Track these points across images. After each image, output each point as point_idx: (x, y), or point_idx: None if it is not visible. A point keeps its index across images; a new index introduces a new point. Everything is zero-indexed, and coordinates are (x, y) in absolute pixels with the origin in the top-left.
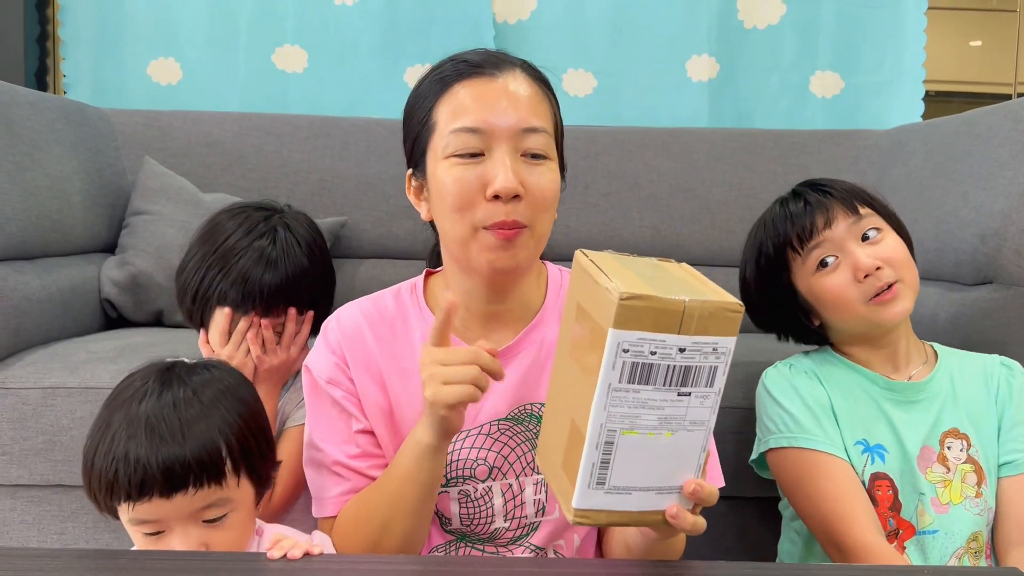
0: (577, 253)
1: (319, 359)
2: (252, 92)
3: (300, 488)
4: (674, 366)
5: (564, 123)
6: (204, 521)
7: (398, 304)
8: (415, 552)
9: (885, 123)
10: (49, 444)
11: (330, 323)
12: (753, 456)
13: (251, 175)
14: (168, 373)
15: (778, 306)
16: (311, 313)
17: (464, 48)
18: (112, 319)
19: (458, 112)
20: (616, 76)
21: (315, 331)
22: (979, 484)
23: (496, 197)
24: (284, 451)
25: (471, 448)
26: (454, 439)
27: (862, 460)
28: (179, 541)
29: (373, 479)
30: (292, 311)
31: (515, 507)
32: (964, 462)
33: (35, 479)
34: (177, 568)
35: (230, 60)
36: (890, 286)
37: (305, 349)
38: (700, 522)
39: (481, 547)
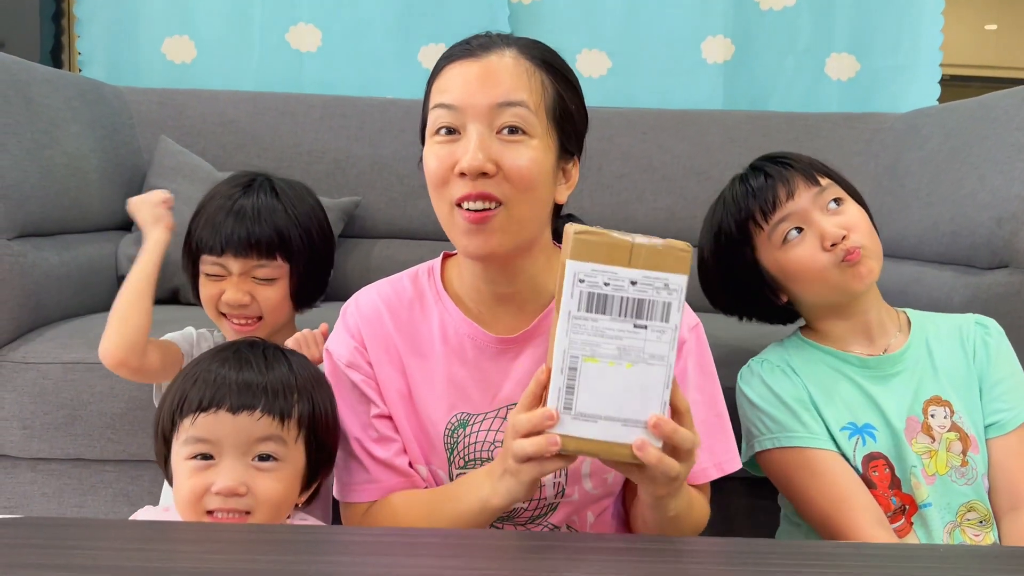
0: (566, 226)
1: (338, 343)
2: (266, 70)
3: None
4: (628, 297)
5: (580, 91)
6: (256, 459)
7: (416, 287)
8: None
9: (901, 106)
10: (69, 418)
11: (349, 306)
12: (744, 460)
13: (266, 155)
14: (259, 341)
15: (741, 285)
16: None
17: (478, 28)
18: None
19: (441, 89)
20: (631, 57)
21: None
22: (964, 452)
23: (464, 174)
24: None
25: (488, 431)
26: (471, 421)
27: (852, 444)
28: (225, 473)
29: (392, 466)
30: (278, 259)
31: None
32: (949, 430)
33: (56, 453)
34: (196, 538)
35: (244, 38)
36: (856, 252)
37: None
38: (667, 461)
39: (499, 524)
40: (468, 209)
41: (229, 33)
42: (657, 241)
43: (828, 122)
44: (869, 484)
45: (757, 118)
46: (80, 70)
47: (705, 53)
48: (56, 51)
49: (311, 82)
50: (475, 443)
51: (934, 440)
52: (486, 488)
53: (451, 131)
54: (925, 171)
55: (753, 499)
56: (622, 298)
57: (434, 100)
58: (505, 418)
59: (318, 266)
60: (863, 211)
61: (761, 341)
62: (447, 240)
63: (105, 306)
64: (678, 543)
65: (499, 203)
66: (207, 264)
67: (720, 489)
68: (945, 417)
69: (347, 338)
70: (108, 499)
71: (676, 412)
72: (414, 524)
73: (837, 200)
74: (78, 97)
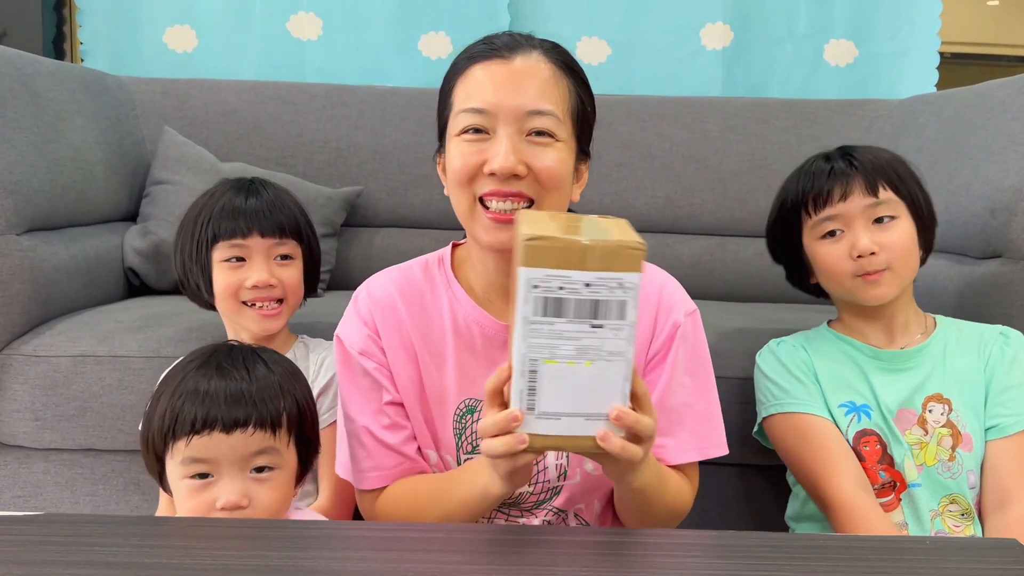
0: (517, 214)
1: (350, 329)
2: (267, 59)
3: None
4: (583, 300)
5: (592, 93)
6: (253, 471)
7: (427, 276)
8: None
9: (899, 92)
10: (80, 410)
11: (360, 293)
12: (754, 430)
13: (268, 144)
14: (233, 345)
15: (785, 250)
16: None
17: (479, 16)
18: (135, 287)
19: (469, 93)
20: (630, 44)
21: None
22: (954, 448)
23: (493, 175)
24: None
25: None
26: (480, 408)
27: (847, 420)
28: (226, 488)
29: (403, 453)
30: (292, 243)
31: (538, 472)
32: (942, 425)
33: (67, 443)
34: (208, 534)
35: (245, 27)
36: (878, 272)
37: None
38: (630, 448)
39: (506, 510)
40: (493, 209)
41: (230, 22)
42: (610, 238)
43: (827, 109)
44: (859, 457)
45: (756, 105)
46: (82, 60)
47: (704, 40)
48: (58, 41)
49: (312, 71)
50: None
51: (927, 433)
52: (485, 476)
53: (478, 131)
54: (921, 160)
55: (748, 484)
56: (577, 300)
57: (461, 103)
58: None
59: (317, 255)
60: (911, 231)
61: (773, 327)
62: (449, 228)
63: (112, 299)
64: (675, 537)
65: (530, 201)
66: (225, 250)
67: (715, 475)
68: (942, 413)
69: (360, 325)
70: (120, 488)
71: (635, 397)
72: (421, 509)
73: (890, 217)
74: (82, 89)
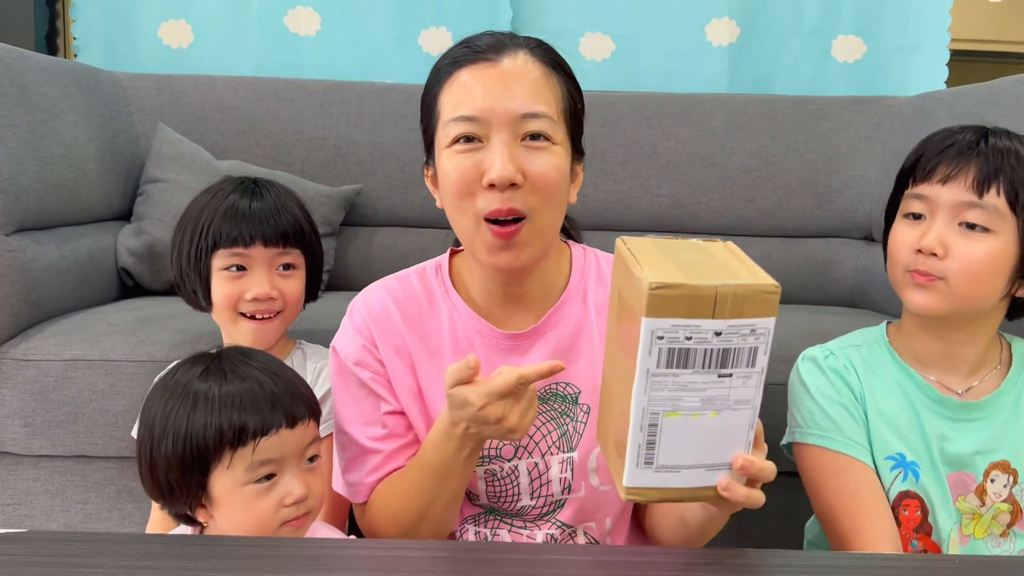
0: (617, 241)
1: (346, 341)
2: (264, 55)
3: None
4: (712, 349)
5: (581, 88)
6: (307, 461)
7: (424, 284)
8: (448, 529)
9: (907, 89)
10: (71, 416)
11: (356, 303)
12: (783, 442)
13: (265, 142)
14: (240, 348)
15: (887, 227)
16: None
17: (480, 11)
18: (129, 288)
19: (457, 100)
20: (634, 40)
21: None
22: (1011, 525)
23: (492, 185)
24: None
25: None
26: None
27: (891, 476)
28: (292, 482)
29: (397, 462)
30: (296, 251)
31: (541, 485)
32: (1003, 500)
33: (58, 450)
34: (203, 554)
35: (242, 22)
36: (930, 277)
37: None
38: (755, 494)
39: (509, 521)
40: (497, 222)
41: (226, 17)
42: (741, 281)
43: (835, 106)
44: (895, 521)
45: (762, 102)
46: (75, 55)
47: (710, 35)
48: (51, 36)
49: (310, 67)
50: None
51: (984, 505)
52: (442, 418)
53: (470, 139)
54: None
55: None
56: (706, 350)
57: (450, 112)
58: None
59: (320, 259)
60: (1006, 255)
61: (801, 331)
62: (449, 228)
63: (105, 300)
64: (703, 556)
65: (523, 215)
66: (225, 258)
67: None
68: (1005, 486)
69: (355, 336)
70: (112, 495)
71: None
72: (405, 491)
73: (983, 228)
74: (74, 85)
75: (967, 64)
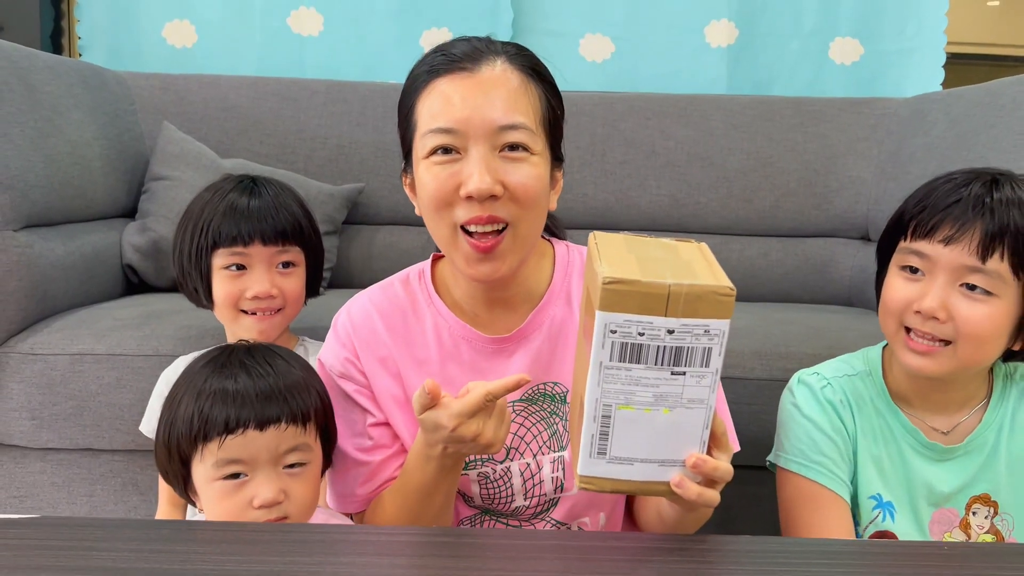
0: (589, 236)
1: (330, 353)
2: (267, 55)
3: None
4: (664, 347)
5: (581, 89)
6: (286, 467)
7: (408, 291)
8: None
9: (905, 91)
10: (78, 409)
11: (340, 316)
12: (768, 458)
13: (268, 141)
14: (249, 344)
15: (882, 259)
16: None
17: (481, 12)
18: (134, 284)
19: (435, 111)
20: (634, 41)
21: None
22: None
23: (470, 197)
24: None
25: None
26: None
27: (872, 515)
28: (262, 486)
29: (385, 473)
30: (295, 249)
31: (534, 485)
32: (986, 531)
33: (64, 443)
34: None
35: (245, 22)
36: (934, 340)
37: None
38: (708, 494)
39: (504, 521)
40: (475, 233)
41: (230, 17)
42: (697, 281)
43: (833, 107)
44: None
45: (761, 103)
46: (80, 54)
47: (709, 37)
48: (56, 35)
49: (312, 67)
50: None
51: (969, 538)
52: (418, 440)
53: (448, 151)
54: (930, 158)
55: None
56: (658, 347)
57: (427, 123)
58: None
59: (321, 255)
60: (1009, 315)
61: (789, 328)
62: None
63: (110, 295)
64: (686, 542)
65: (506, 224)
66: (225, 256)
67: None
68: (987, 517)
69: (339, 348)
70: (117, 488)
71: (712, 436)
72: (394, 510)
73: (985, 292)
74: (80, 83)
75: (964, 67)
